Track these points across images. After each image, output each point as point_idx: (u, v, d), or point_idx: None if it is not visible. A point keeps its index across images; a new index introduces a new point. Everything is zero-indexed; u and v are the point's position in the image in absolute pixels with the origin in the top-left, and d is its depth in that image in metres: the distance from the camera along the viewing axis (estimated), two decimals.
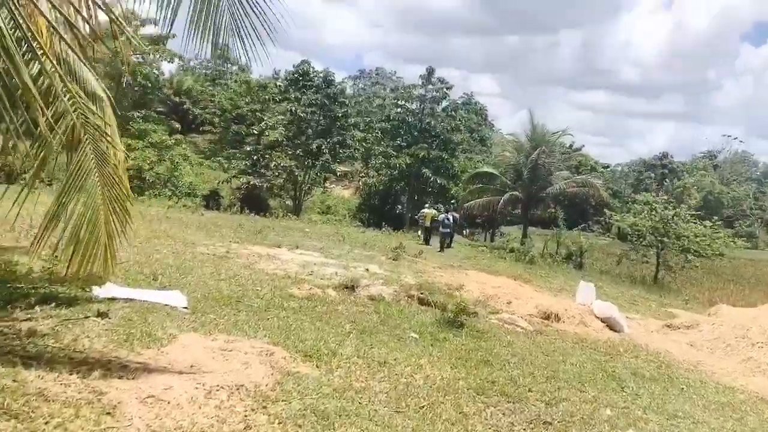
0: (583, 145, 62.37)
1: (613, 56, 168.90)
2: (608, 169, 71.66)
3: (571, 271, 23.20)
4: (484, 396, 5.27)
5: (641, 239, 23.08)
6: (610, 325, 10.16)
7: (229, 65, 73.17)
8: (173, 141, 31.44)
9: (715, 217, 23.58)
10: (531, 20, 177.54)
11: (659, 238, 22.26)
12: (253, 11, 5.01)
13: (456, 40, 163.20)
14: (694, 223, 22.78)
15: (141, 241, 10.99)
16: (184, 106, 49.07)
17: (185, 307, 6.39)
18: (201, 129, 46.09)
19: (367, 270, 12.30)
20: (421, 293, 10.30)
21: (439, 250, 21.65)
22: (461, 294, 11.35)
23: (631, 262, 25.72)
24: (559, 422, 4.96)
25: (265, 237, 16.29)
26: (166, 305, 6.24)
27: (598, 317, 10.25)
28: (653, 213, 22.43)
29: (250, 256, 11.54)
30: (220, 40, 5.15)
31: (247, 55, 5.11)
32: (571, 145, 55.66)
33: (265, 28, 4.93)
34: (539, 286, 16.29)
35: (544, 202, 30.57)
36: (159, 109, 57.15)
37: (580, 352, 7.80)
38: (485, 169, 32.28)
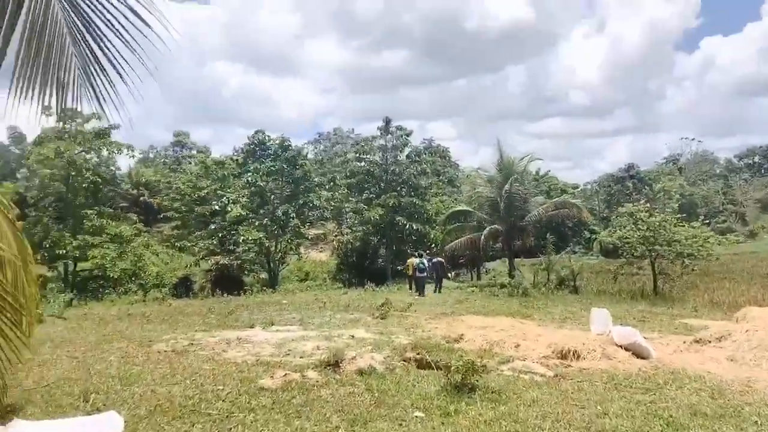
0: (549, 171, 62.59)
1: (560, 83, 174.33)
2: (578, 189, 71.98)
3: (567, 296, 21.97)
4: None
5: (632, 252, 22.10)
6: (636, 351, 8.87)
7: (188, 150, 72.84)
8: (133, 232, 29.94)
9: (702, 217, 22.95)
10: (476, 62, 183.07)
11: (650, 248, 21.30)
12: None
13: (407, 93, 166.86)
14: (682, 225, 21.99)
15: (85, 350, 9.45)
16: (142, 197, 47.91)
17: None
18: (165, 218, 44.76)
19: (353, 337, 10.88)
20: (418, 354, 8.91)
21: (418, 295, 21.14)
22: (463, 346, 10.01)
23: (626, 278, 24.66)
24: None
25: (236, 318, 14.76)
26: None
27: (620, 345, 8.96)
28: (639, 223, 21.57)
29: (217, 345, 10.03)
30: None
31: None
32: (537, 172, 55.68)
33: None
34: (541, 319, 15.00)
35: (525, 231, 29.59)
36: (122, 204, 55.97)
37: (618, 396, 6.46)
38: (459, 207, 31.35)
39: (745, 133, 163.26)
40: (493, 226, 27.02)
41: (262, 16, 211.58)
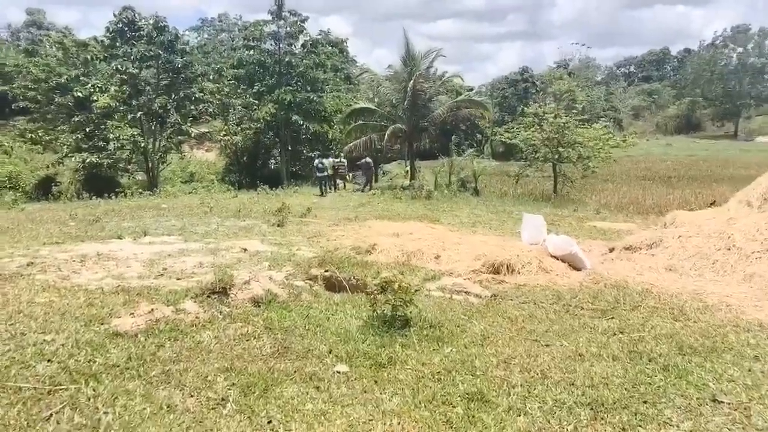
0: (446, 71, 61.17)
1: None
2: (472, 92, 71.82)
3: (470, 199, 21.32)
4: None
5: (535, 153, 21.62)
6: (572, 263, 7.91)
7: (45, 31, 62.72)
8: None
9: (602, 119, 22.93)
10: None
11: (554, 149, 20.90)
12: None
13: None
14: (584, 127, 21.71)
15: None
16: None
17: None
18: (23, 110, 38.39)
19: (245, 250, 9.05)
20: (326, 271, 7.34)
21: (319, 195, 21.97)
22: (377, 259, 8.59)
23: (524, 180, 24.48)
24: None
25: (102, 227, 12.31)
26: None
27: (555, 257, 7.95)
28: (545, 124, 20.93)
29: (66, 264, 7.81)
30: None
31: None
32: (436, 71, 54.09)
33: None
34: (450, 223, 14.01)
35: (427, 132, 28.36)
36: None
37: (577, 324, 5.33)
38: (361, 104, 29.21)
39: (623, 45, 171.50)
40: (396, 125, 25.41)
41: None
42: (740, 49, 72.14)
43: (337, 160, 25.02)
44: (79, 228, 12.25)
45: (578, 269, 7.88)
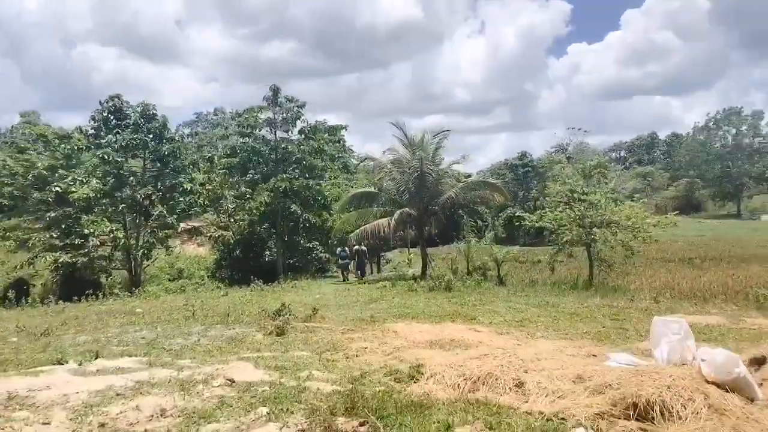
0: (443, 158, 60.23)
1: (443, 81, 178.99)
2: (470, 179, 70.82)
3: (496, 289, 18.51)
4: None
5: (564, 235, 19.12)
6: (738, 390, 5.09)
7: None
8: None
9: (637, 195, 20.84)
10: (363, 58, 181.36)
11: (588, 230, 18.43)
12: None
13: (296, 85, 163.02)
14: (618, 204, 19.43)
15: None
16: None
17: None
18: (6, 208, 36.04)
19: (232, 382, 6.10)
20: (363, 425, 4.48)
21: (342, 281, 23.72)
22: (431, 391, 5.71)
23: (550, 266, 21.82)
24: None
25: (47, 345, 9.39)
26: None
27: (712, 382, 5.13)
28: (576, 202, 18.61)
29: None
30: None
31: None
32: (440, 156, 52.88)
33: None
34: (493, 323, 11.17)
35: (436, 216, 26.04)
36: None
37: None
38: (363, 189, 27.04)
39: (606, 133, 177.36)
40: (404, 210, 23.08)
41: None
42: (734, 131, 72.37)
43: (359, 247, 25.32)
44: (18, 347, 9.35)
45: (750, 399, 5.06)
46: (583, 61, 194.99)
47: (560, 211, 19.53)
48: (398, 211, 22.87)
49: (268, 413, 4.97)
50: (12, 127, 63.46)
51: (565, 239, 19.38)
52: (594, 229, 18.48)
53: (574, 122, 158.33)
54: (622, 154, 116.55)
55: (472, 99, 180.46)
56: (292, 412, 4.98)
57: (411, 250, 37.26)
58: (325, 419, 4.65)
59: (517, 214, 39.06)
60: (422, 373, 6.30)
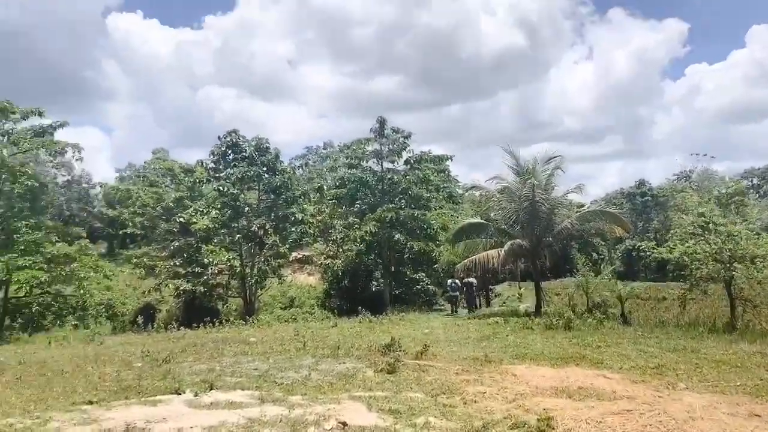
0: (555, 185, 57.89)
1: (550, 109, 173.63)
2: (584, 208, 67.35)
3: (620, 330, 16.90)
4: None
5: (698, 271, 17.18)
6: None
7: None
8: (77, 248, 24.48)
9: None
10: (468, 88, 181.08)
11: (728, 265, 16.44)
12: None
13: (401, 118, 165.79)
14: (756, 237, 17.21)
15: None
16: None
17: None
18: (131, 237, 39.30)
19: (344, 426, 5.72)
20: None
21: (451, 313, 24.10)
22: None
23: (680, 304, 19.69)
24: None
25: (167, 372, 9.62)
26: None
27: None
28: (713, 234, 16.72)
29: None
30: None
31: None
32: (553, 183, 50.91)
33: None
34: (624, 369, 10.02)
35: (551, 248, 24.62)
36: (96, 225, 50.36)
37: None
38: (472, 220, 26.29)
39: (731, 159, 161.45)
40: (515, 241, 22.03)
41: (255, 41, 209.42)
42: None
43: (468, 279, 25.22)
44: (141, 374, 9.65)
45: None
46: (703, 83, 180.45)
47: (693, 244, 17.59)
48: (509, 242, 21.87)
49: None
50: (145, 163, 69.81)
51: (699, 275, 17.39)
52: (735, 264, 16.42)
53: (694, 148, 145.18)
54: (755, 181, 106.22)
55: (581, 126, 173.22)
56: None
57: (521, 283, 35.66)
58: None
59: (638, 246, 36.20)
60: (553, 428, 5.56)
